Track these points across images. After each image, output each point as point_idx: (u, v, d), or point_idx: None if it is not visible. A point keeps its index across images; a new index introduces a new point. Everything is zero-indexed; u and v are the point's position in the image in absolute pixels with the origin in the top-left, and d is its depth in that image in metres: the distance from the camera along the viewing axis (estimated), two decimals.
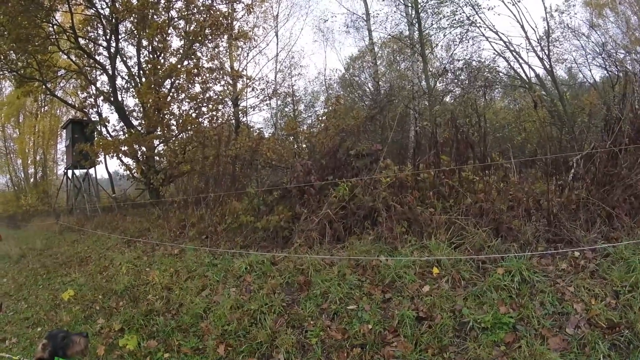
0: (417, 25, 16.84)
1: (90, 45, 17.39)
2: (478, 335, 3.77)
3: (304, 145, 12.41)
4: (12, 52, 15.73)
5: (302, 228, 6.46)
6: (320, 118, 14.68)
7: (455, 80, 18.11)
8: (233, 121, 19.01)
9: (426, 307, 4.23)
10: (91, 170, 22.45)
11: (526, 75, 18.56)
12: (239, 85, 20.63)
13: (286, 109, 26.07)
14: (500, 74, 19.02)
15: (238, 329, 4.76)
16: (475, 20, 17.23)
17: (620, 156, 5.24)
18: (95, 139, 18.04)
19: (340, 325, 4.39)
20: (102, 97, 17.71)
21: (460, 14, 17.04)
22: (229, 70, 18.68)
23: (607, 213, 4.97)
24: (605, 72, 17.57)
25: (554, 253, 4.54)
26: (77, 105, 19.46)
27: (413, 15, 16.74)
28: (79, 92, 20.15)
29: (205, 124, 15.62)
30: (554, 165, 6.03)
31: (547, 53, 17.43)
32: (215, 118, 16.21)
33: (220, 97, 16.67)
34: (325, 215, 6.24)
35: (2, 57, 15.88)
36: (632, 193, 5.04)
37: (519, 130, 17.00)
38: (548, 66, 17.52)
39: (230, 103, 18.56)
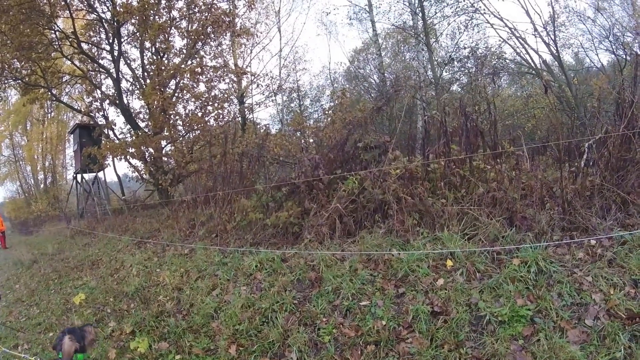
0: (420, 14, 16.70)
1: (93, 50, 17.54)
2: (495, 329, 3.68)
3: (311, 140, 12.33)
4: (15, 60, 15.87)
5: (311, 223, 6.37)
6: (326, 112, 14.60)
7: (462, 69, 17.98)
8: (239, 119, 18.98)
9: (441, 301, 4.13)
10: (100, 174, 22.55)
11: (533, 61, 18.39)
12: (244, 83, 20.61)
13: (292, 104, 26.06)
14: (507, 61, 18.85)
15: (249, 329, 4.69)
16: (479, 7, 17.08)
17: (634, 140, 5.11)
18: (103, 142, 18.14)
19: (354, 322, 4.30)
20: (107, 101, 17.84)
21: (464, 1, 16.91)
22: (233, 67, 18.62)
23: (622, 199, 4.85)
24: (613, 55, 17.35)
25: (570, 242, 4.43)
26: (83, 110, 19.57)
27: (416, 4, 16.61)
28: (84, 97, 20.30)
29: (211, 123, 15.63)
30: (566, 152, 5.90)
31: (553, 38, 17.23)
32: (221, 116, 16.24)
33: (226, 95, 16.71)
34: (335, 210, 6.15)
35: (6, 66, 16.01)
36: None
37: (528, 117, 16.86)
38: (555, 51, 17.32)
39: (235, 101, 18.57)
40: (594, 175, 5.27)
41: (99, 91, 18.11)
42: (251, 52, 25.10)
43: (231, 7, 16.56)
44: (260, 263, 5.93)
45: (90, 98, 18.64)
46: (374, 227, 5.83)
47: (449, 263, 4.59)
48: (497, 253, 4.51)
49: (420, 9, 16.69)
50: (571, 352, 3.25)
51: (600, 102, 8.02)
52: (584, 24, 18.38)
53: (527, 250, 4.32)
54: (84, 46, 16.48)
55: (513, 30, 17.49)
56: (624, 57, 15.36)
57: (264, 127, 16.95)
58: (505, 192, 5.22)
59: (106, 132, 18.08)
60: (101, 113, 18.70)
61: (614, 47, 17.04)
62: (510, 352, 3.43)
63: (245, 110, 20.98)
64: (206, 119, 15.74)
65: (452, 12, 17.31)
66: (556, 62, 17.92)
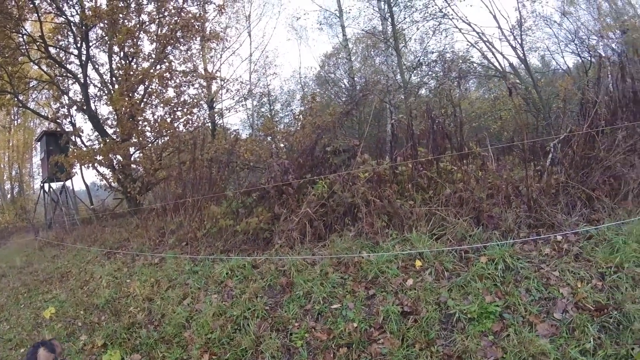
0: (390, 19, 16.83)
1: (61, 54, 17.11)
2: (465, 326, 3.73)
3: (282, 145, 12.30)
4: None
5: (282, 228, 6.35)
6: (297, 116, 14.61)
7: (430, 73, 18.18)
8: (209, 124, 18.84)
9: (411, 301, 4.17)
10: (68, 183, 22.01)
11: (500, 64, 18.71)
12: (214, 87, 20.48)
13: (262, 109, 25.95)
14: (474, 65, 19.15)
15: (222, 337, 4.67)
16: (448, 13, 17.26)
17: (597, 139, 5.25)
18: (70, 149, 17.73)
19: (325, 326, 4.31)
20: (75, 107, 17.38)
21: (433, 6, 17.09)
22: (203, 72, 18.49)
23: (587, 195, 4.98)
24: (578, 58, 17.80)
25: (536, 239, 4.51)
26: (50, 117, 19.07)
27: (386, 10, 16.74)
28: (51, 103, 19.79)
29: (180, 129, 15.46)
30: (531, 151, 6.02)
31: (520, 42, 17.55)
32: (190, 122, 16.08)
33: (195, 100, 16.53)
34: (305, 214, 6.15)
35: None
36: (611, 174, 5.07)
37: (495, 119, 17.15)
38: (521, 55, 17.65)
39: (205, 106, 18.41)
40: (559, 173, 5.40)
41: (66, 97, 17.67)
42: (221, 57, 24.99)
43: (201, 12, 16.44)
44: (231, 270, 5.88)
45: (58, 104, 18.20)
46: (344, 230, 5.86)
47: (418, 263, 4.64)
48: (465, 252, 4.57)
49: (389, 14, 16.83)
50: (541, 346, 3.31)
51: (565, 102, 8.24)
52: (551, 28, 18.82)
53: (494, 248, 4.41)
54: (52, 50, 16.11)
55: (481, 34, 17.78)
56: (589, 59, 15.78)
57: (234, 133, 16.88)
58: (472, 192, 5.30)
59: (74, 140, 17.65)
60: (68, 120, 18.25)
61: (579, 49, 17.50)
62: (481, 348, 3.48)
63: (215, 115, 20.86)
64: (175, 124, 15.57)
65: (421, 18, 17.48)
66: (523, 65, 18.28)
